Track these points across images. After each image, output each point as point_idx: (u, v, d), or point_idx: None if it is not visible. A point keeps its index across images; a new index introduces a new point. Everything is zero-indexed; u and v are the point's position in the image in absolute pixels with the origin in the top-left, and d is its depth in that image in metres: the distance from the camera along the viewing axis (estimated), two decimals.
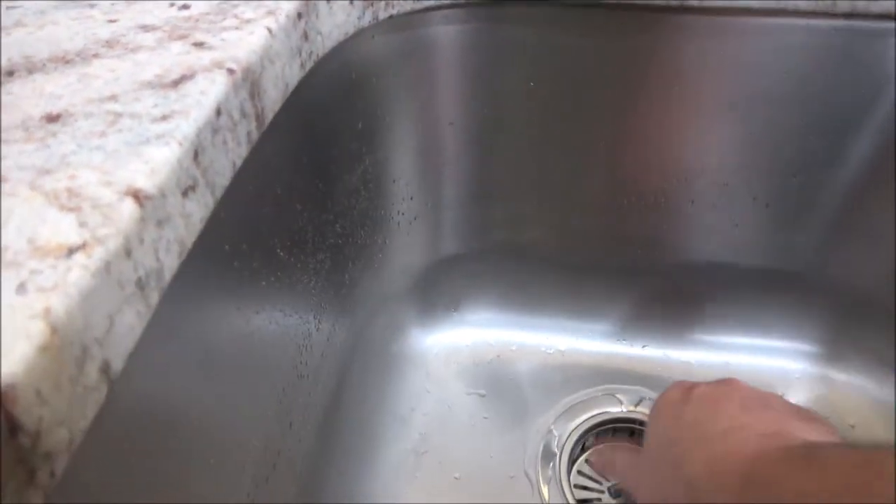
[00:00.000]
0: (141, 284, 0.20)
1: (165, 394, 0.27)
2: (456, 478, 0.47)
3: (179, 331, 0.26)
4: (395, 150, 0.44)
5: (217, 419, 0.31)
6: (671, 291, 0.54)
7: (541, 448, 0.49)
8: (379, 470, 0.47)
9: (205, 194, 0.24)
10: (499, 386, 0.53)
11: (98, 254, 0.18)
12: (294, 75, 0.31)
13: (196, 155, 0.23)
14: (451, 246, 0.52)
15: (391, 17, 0.38)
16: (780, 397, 0.32)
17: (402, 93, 0.41)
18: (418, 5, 0.38)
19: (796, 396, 0.52)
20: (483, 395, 0.53)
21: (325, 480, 0.41)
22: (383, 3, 0.37)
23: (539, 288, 0.55)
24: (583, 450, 0.49)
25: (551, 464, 0.47)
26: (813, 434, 0.28)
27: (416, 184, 0.47)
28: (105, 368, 0.19)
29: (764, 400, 0.31)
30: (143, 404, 0.25)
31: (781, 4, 0.39)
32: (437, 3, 0.38)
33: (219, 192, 0.25)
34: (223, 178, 0.25)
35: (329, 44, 0.34)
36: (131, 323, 0.20)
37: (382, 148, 0.43)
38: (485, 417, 0.51)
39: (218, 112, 0.24)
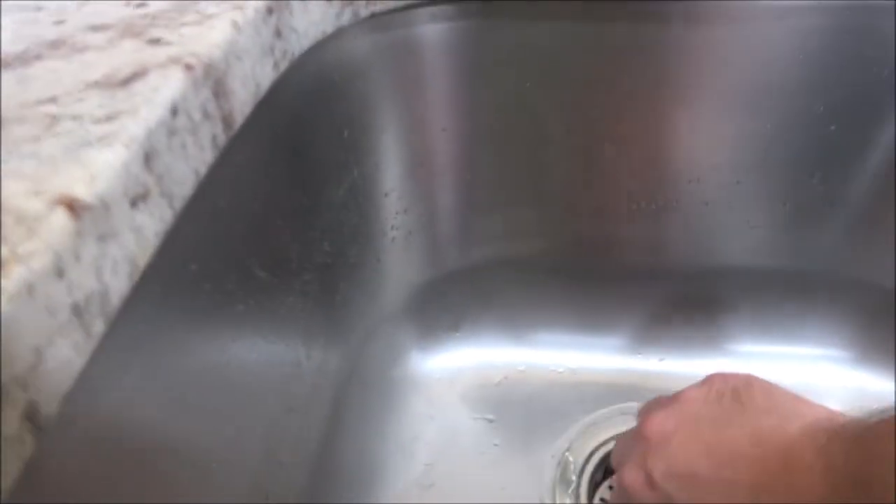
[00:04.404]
0: (78, 311, 0.17)
1: (131, 434, 0.23)
2: None
3: (144, 362, 0.23)
4: (385, 160, 0.41)
5: (194, 460, 0.28)
6: (687, 299, 0.51)
7: (557, 475, 0.45)
8: None
9: (160, 205, 0.21)
10: (507, 410, 0.50)
11: (18, 274, 0.15)
12: (266, 75, 0.28)
13: (147, 160, 0.20)
14: (450, 261, 0.49)
15: (373, 14, 0.35)
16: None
17: (389, 97, 0.39)
18: (401, 3, 0.36)
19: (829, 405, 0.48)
20: (491, 421, 0.49)
21: None
22: (363, 1, 0.34)
23: (545, 302, 0.52)
24: (605, 475, 0.45)
25: (570, 491, 0.44)
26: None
27: (410, 196, 0.44)
28: (30, 414, 0.15)
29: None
30: (102, 448, 0.22)
31: None
32: (421, 0, 0.36)
33: (178, 204, 0.22)
34: (184, 188, 0.22)
35: (306, 43, 0.32)
36: (67, 356, 0.17)
37: (371, 158, 0.40)
38: (494, 444, 0.48)
39: (174, 111, 0.21)
